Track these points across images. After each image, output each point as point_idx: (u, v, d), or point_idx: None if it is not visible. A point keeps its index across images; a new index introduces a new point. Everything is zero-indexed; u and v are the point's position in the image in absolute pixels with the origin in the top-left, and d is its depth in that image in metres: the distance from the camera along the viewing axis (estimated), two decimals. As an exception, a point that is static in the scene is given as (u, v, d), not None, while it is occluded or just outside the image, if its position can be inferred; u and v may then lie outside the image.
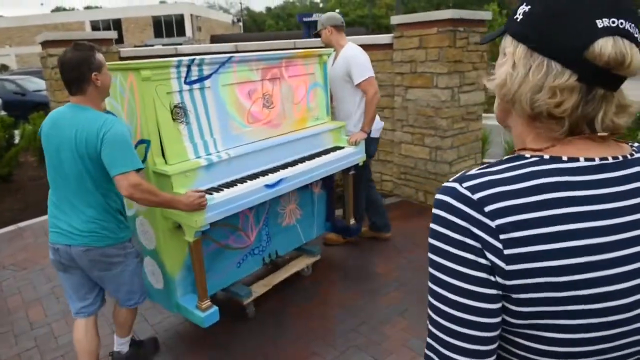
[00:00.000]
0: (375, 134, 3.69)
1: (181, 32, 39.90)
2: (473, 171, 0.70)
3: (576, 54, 0.62)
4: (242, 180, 2.70)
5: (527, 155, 0.69)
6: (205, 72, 2.71)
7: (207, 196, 2.40)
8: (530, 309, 0.63)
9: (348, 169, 3.49)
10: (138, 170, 2.11)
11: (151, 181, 2.42)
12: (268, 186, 2.73)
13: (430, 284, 0.69)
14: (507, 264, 0.62)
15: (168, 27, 40.09)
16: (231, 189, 2.58)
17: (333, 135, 3.45)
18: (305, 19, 18.55)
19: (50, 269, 3.88)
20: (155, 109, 2.44)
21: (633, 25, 0.63)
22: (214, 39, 20.24)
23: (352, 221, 3.73)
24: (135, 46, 20.71)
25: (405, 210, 4.77)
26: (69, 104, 2.24)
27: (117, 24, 39.63)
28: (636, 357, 0.69)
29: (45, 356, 2.78)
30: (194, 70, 2.63)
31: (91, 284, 2.36)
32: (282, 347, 2.74)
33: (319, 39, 3.75)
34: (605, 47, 0.61)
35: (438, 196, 0.69)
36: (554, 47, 0.64)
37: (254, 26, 58.39)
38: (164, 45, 21.06)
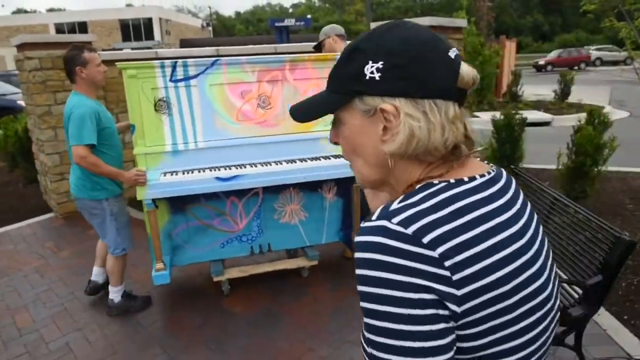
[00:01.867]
0: None
1: (150, 36, 39.30)
2: (394, 206, 0.66)
3: (452, 86, 0.67)
4: (201, 170, 3.04)
5: (435, 182, 0.69)
6: (191, 73, 3.07)
7: (157, 177, 2.91)
8: (482, 328, 0.64)
9: (353, 180, 3.47)
10: (88, 146, 2.73)
11: (136, 162, 3.00)
12: (219, 179, 2.98)
13: (374, 337, 0.63)
14: (459, 289, 0.61)
15: (136, 30, 39.43)
16: (179, 175, 2.98)
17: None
18: (277, 24, 18.62)
19: (34, 275, 3.81)
20: (140, 101, 2.98)
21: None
22: (184, 43, 20.02)
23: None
24: (102, 50, 20.22)
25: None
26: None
27: (82, 27, 38.70)
28: (546, 345, 0.75)
29: None
30: (179, 70, 3.05)
31: None
32: (277, 343, 2.79)
33: (299, 44, 3.83)
34: (467, 72, 0.69)
35: (365, 238, 0.64)
36: (433, 89, 0.66)
37: (224, 30, 58.07)
38: (133, 49, 20.71)
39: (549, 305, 0.72)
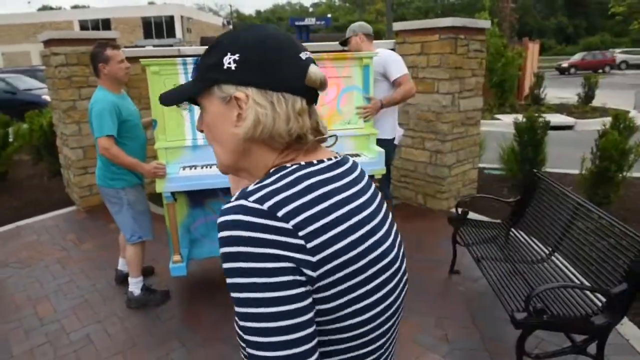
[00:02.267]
0: (397, 139, 3.76)
1: (171, 33, 39.71)
2: (251, 187, 0.74)
3: (300, 83, 0.77)
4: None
5: (288, 165, 0.78)
6: None
7: (176, 170, 2.95)
8: (337, 289, 0.71)
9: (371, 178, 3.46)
10: (110, 137, 2.86)
11: (158, 155, 3.03)
12: None
13: (241, 309, 0.69)
14: (313, 255, 0.69)
15: (158, 28, 39.87)
16: (197, 169, 3.01)
17: (356, 142, 3.37)
18: (297, 23, 18.65)
19: (55, 267, 3.89)
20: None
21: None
22: (205, 41, 20.16)
23: None
24: (125, 47, 20.54)
25: (405, 211, 4.87)
26: None
27: (106, 24, 39.32)
28: (398, 303, 0.83)
29: (59, 351, 2.80)
30: None
31: None
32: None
33: (320, 43, 3.82)
34: (315, 72, 0.78)
35: (226, 217, 0.70)
36: (282, 82, 0.76)
37: (244, 29, 58.44)
38: (154, 46, 20.95)
39: (395, 267, 0.81)
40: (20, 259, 4.07)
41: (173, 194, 3.01)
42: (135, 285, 3.20)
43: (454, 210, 3.59)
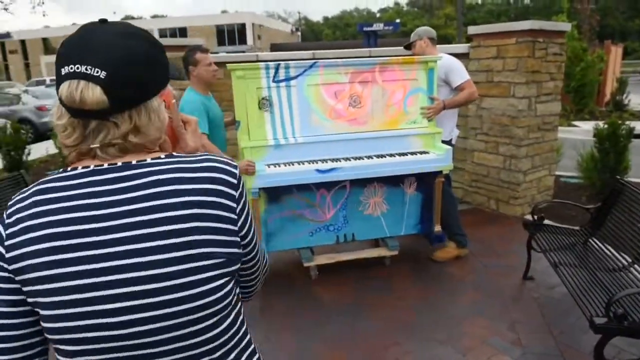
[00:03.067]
0: (454, 140, 3.80)
1: (242, 40, 41.19)
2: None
3: (61, 98, 0.76)
4: (301, 162, 3.25)
5: (69, 168, 0.82)
6: (292, 74, 3.31)
7: (262, 168, 3.16)
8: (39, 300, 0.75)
9: (435, 175, 3.55)
10: (202, 134, 2.98)
11: (239, 151, 3.32)
12: (319, 171, 3.21)
13: None
14: (9, 264, 0.75)
15: (230, 35, 41.52)
16: (281, 167, 3.23)
17: (423, 140, 3.55)
18: (365, 29, 18.79)
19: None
20: (246, 100, 3.28)
21: (92, 67, 0.74)
22: (274, 48, 20.76)
23: (437, 228, 3.73)
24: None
25: (478, 217, 4.82)
26: None
27: (182, 32, 41.48)
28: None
29: None
30: (281, 72, 3.29)
31: None
32: (362, 333, 2.89)
33: (390, 48, 3.91)
34: (62, 89, 0.75)
35: None
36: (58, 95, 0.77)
37: (312, 35, 59.42)
38: (227, 52, 21.87)
39: (122, 290, 0.75)
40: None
41: (259, 190, 3.23)
42: None
43: (528, 216, 3.54)
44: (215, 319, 0.80)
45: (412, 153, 3.45)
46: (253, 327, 3.00)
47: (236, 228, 0.84)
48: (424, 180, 3.65)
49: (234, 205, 0.83)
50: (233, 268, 0.83)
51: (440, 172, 3.50)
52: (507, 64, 4.57)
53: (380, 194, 3.64)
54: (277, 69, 3.30)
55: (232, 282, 0.84)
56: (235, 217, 0.83)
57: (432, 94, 3.55)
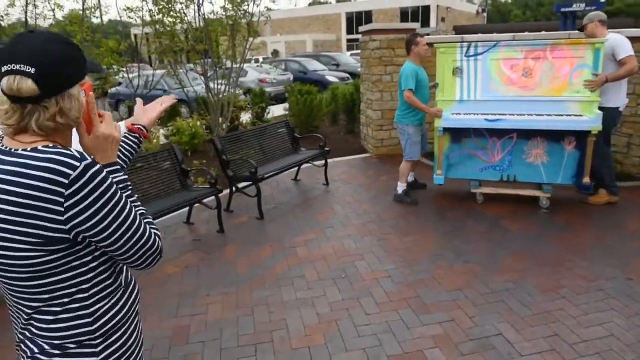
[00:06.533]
0: (622, 108, 4.56)
1: (425, 22, 41.41)
2: None
3: (2, 89, 1.06)
4: (476, 114, 4.61)
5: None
6: (479, 51, 4.66)
7: (448, 115, 4.63)
8: None
9: (586, 134, 4.41)
10: (409, 90, 4.68)
11: (436, 104, 4.75)
12: (487, 120, 4.55)
13: None
14: None
15: (414, 17, 41.90)
16: (461, 115, 4.65)
17: (581, 106, 4.44)
18: (563, 9, 17.49)
19: (364, 186, 5.79)
20: (444, 69, 4.76)
21: (24, 65, 1.03)
22: (458, 30, 20.89)
23: (586, 179, 4.55)
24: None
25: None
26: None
27: (368, 15, 43.39)
28: None
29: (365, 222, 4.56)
30: (472, 49, 4.66)
31: None
32: (536, 250, 3.91)
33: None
34: (3, 83, 1.04)
35: None
36: None
37: (498, 16, 56.47)
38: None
39: None
40: (342, 178, 6.09)
41: (444, 129, 4.69)
42: (399, 188, 5.16)
43: None
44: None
45: (567, 115, 4.44)
46: (432, 229, 4.36)
47: (62, 218, 1.05)
48: (582, 140, 4.54)
49: (60, 199, 1.03)
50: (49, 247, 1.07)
51: (590, 131, 4.35)
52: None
53: (542, 147, 4.71)
54: (468, 47, 4.70)
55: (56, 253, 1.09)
56: (62, 209, 1.04)
57: (596, 70, 4.38)
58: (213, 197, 4.59)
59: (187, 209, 4.72)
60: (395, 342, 2.80)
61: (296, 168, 6.01)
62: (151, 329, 3.02)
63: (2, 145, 1.10)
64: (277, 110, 10.96)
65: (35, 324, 1.15)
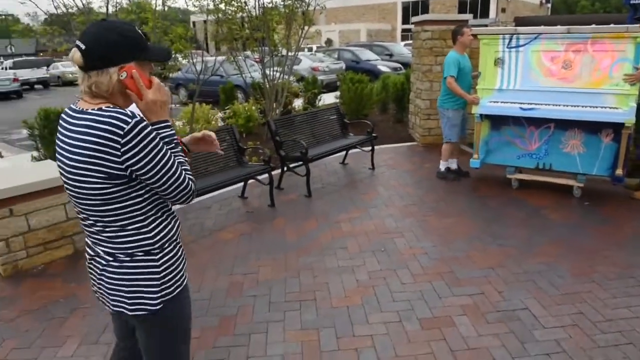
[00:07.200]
0: None
1: (484, 13, 40.27)
2: None
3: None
4: (513, 102, 4.83)
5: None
6: (521, 42, 4.85)
7: (485, 102, 4.93)
8: None
9: (620, 126, 4.46)
10: (451, 77, 5.02)
11: (477, 92, 4.99)
12: (522, 109, 4.77)
13: None
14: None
15: (472, 8, 40.80)
16: (498, 103, 4.90)
17: (617, 99, 4.48)
18: (632, 1, 16.68)
19: (409, 171, 5.99)
20: (487, 59, 5.03)
21: (81, 42, 1.38)
22: (519, 22, 20.24)
23: (619, 171, 4.58)
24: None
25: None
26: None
27: (424, 5, 42.60)
28: None
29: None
30: (514, 41, 4.88)
31: None
32: (579, 242, 3.96)
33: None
34: (70, 55, 1.43)
35: None
36: None
37: (564, 7, 53.82)
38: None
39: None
40: (387, 164, 6.36)
41: (481, 116, 4.96)
42: (442, 165, 5.66)
43: None
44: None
45: (602, 107, 4.51)
46: (470, 212, 4.58)
47: (119, 159, 1.37)
48: (620, 133, 4.51)
49: (118, 146, 1.35)
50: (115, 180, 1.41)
51: (623, 124, 4.39)
52: None
53: (579, 137, 4.85)
54: (511, 38, 4.91)
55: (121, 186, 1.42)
56: (119, 152, 1.36)
57: (638, 64, 4.43)
58: (266, 175, 4.97)
59: (242, 184, 5.15)
60: (426, 308, 3.06)
61: (344, 152, 6.33)
62: (210, 283, 3.45)
63: (78, 107, 1.44)
64: (328, 99, 11.27)
65: (108, 239, 1.49)
